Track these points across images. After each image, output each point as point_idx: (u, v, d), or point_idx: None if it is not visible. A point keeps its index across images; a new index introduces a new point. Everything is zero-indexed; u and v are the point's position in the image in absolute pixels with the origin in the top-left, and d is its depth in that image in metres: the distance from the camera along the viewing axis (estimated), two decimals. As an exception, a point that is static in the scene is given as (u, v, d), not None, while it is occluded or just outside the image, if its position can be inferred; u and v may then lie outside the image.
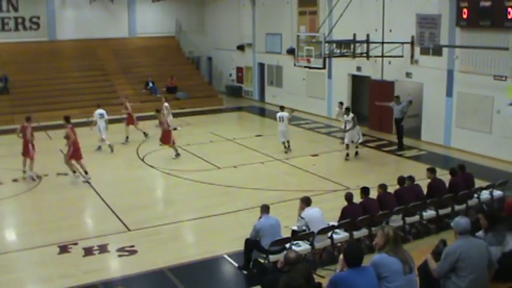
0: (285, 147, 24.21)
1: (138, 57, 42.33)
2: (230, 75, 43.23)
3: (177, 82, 38.85)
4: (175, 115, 30.24)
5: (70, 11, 42.08)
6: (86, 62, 40.29)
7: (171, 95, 38.09)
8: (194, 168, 21.76)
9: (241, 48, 40.78)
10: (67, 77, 38.22)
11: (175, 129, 26.49)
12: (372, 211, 13.81)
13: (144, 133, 27.10)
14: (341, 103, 26.99)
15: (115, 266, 13.88)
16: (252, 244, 12.71)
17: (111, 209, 17.42)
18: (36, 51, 39.99)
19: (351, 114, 23.33)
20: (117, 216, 16.71)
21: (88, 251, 14.26)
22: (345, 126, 23.52)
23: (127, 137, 26.91)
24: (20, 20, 40.94)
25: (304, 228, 12.95)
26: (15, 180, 21.23)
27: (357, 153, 23.72)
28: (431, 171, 15.99)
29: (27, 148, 21.25)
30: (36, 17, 41.31)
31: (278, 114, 24.34)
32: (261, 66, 39.22)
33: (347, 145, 23.34)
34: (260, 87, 39.74)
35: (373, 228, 13.62)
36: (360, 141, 23.75)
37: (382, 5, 26.09)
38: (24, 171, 21.40)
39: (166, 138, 23.57)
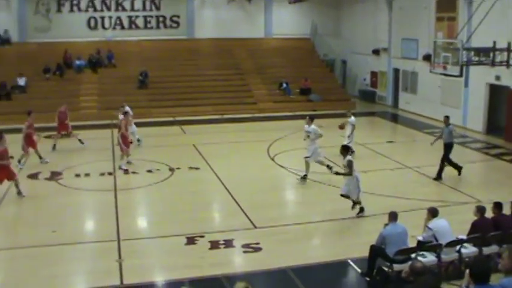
0: None
1: (272, 58, 42.78)
2: (364, 79, 42.75)
3: (310, 84, 38.91)
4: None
5: (208, 10, 43.27)
6: (222, 61, 41.22)
7: (304, 96, 38.28)
8: (324, 171, 21.69)
9: (376, 52, 40.24)
10: (203, 75, 39.25)
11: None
12: (505, 228, 13.17)
13: (138, 139, 26.60)
14: (311, 118, 21.56)
15: (239, 262, 14.10)
16: (377, 251, 12.50)
17: (240, 206, 17.69)
18: (175, 48, 41.45)
19: (348, 157, 16.97)
20: (245, 213, 16.95)
21: (214, 245, 14.57)
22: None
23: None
24: (161, 19, 42.66)
25: (430, 239, 12.60)
26: (149, 171, 22.06)
27: (358, 209, 17.12)
28: None
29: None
30: (177, 16, 42.87)
31: None
32: (396, 71, 38.50)
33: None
34: (394, 92, 39.00)
35: (503, 246, 13.01)
36: (359, 197, 17.00)
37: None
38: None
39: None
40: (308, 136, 20.83)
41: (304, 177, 20.58)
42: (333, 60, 45.82)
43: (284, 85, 38.72)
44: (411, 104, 36.11)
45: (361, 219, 16.58)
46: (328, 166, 20.83)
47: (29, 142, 22.79)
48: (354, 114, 24.76)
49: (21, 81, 36.36)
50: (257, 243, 14.59)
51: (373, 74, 41.59)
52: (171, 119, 34.26)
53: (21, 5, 40.36)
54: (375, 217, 16.35)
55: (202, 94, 37.26)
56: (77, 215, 17.57)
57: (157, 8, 42.59)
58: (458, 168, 21.27)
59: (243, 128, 30.02)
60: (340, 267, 13.56)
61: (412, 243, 12.78)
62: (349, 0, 43.90)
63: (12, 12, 40.50)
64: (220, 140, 23.72)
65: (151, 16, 42.60)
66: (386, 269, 12.35)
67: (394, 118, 35.99)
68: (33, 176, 21.58)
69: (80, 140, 26.01)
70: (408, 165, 22.89)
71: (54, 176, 21.48)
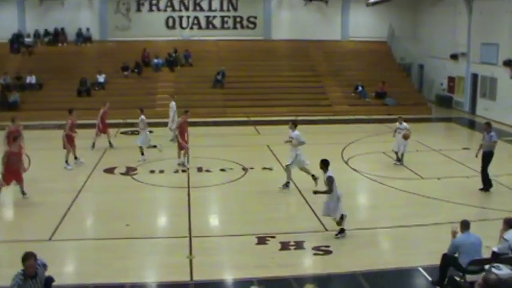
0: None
1: (348, 61, 42.55)
2: (441, 84, 41.94)
3: (386, 88, 38.50)
4: (382, 121, 29.88)
5: (285, 11, 43.44)
6: (298, 62, 41.24)
7: (379, 100, 37.91)
8: (397, 176, 21.43)
9: (454, 57, 39.39)
10: (278, 76, 39.37)
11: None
12: None
13: (110, 142, 26.15)
14: (293, 123, 20.57)
15: (308, 264, 14.06)
16: (449, 260, 12.25)
17: (311, 208, 17.65)
18: (251, 49, 41.74)
19: (328, 173, 15.52)
20: (316, 216, 16.88)
21: (284, 246, 14.58)
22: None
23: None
24: (238, 19, 43.09)
25: (506, 251, 12.25)
26: (222, 170, 22.28)
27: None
28: None
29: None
30: (253, 17, 43.19)
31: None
32: (474, 76, 37.59)
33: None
34: (471, 98, 38.07)
35: None
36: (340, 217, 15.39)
37: None
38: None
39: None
40: (290, 142, 19.98)
41: (287, 185, 19.89)
42: (409, 64, 45.20)
43: (360, 88, 38.46)
44: (489, 111, 35.19)
45: (434, 227, 16.26)
46: (313, 176, 19.75)
47: (69, 141, 22.81)
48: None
49: (101, 78, 37.36)
50: (327, 246, 14.53)
51: (451, 79, 40.75)
52: (245, 119, 34.52)
53: (102, 4, 41.50)
54: (447, 225, 15.96)
55: (277, 95, 37.38)
56: (150, 211, 17.93)
57: (235, 9, 43.01)
58: (488, 185, 19.92)
59: (317, 130, 29.87)
60: (410, 274, 13.35)
61: (486, 254, 12.47)
62: (427, 4, 43.16)
63: (94, 11, 41.71)
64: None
65: (228, 16, 43.06)
66: (458, 279, 12.09)
67: (471, 124, 35.16)
68: (109, 171, 22.14)
69: (110, 142, 26.25)
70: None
71: (130, 171, 21.96)
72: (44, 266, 9.70)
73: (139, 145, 23.72)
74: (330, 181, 15.18)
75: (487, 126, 20.15)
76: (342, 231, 15.26)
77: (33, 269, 9.28)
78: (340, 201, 15.29)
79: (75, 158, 23.03)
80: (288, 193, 19.72)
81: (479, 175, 20.28)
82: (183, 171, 22.23)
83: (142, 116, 23.93)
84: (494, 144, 19.89)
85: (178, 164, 22.71)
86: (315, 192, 15.91)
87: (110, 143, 26.18)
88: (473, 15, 37.10)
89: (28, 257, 9.25)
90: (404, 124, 23.19)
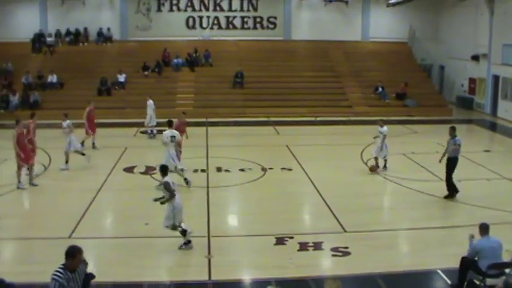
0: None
1: (369, 61, 42.42)
2: (462, 85, 41.68)
3: (407, 89, 38.32)
4: (402, 122, 29.68)
5: (305, 12, 43.47)
6: (318, 63, 41.22)
7: (399, 101, 37.76)
8: (416, 178, 21.31)
9: (475, 58, 39.11)
10: (298, 76, 39.38)
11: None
12: None
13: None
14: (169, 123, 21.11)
15: (327, 265, 14.01)
16: (469, 264, 12.14)
17: (330, 209, 17.61)
18: (271, 49, 41.79)
19: (166, 178, 14.77)
20: (335, 217, 16.85)
21: (303, 246, 14.55)
22: None
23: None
24: (258, 20, 43.18)
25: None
26: (241, 170, 22.30)
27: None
28: None
29: None
30: (274, 17, 43.26)
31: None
32: (496, 78, 37.30)
33: None
34: (493, 100, 37.78)
35: None
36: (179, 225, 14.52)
37: None
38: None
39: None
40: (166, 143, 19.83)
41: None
42: (430, 65, 44.96)
43: (380, 89, 38.32)
44: (511, 112, 34.93)
45: (453, 229, 16.18)
46: (185, 179, 19.71)
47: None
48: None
49: (121, 78, 37.56)
50: (346, 248, 14.48)
51: (472, 81, 40.45)
52: (265, 119, 34.52)
53: (123, 4, 41.77)
54: (466, 228, 15.86)
55: (297, 95, 37.36)
56: (169, 210, 17.95)
57: (255, 9, 43.07)
58: (452, 191, 18.89)
59: (337, 131, 29.85)
60: (429, 277, 13.26)
61: (506, 258, 12.37)
62: (448, 4, 42.89)
63: (114, 11, 42.02)
64: (313, 142, 23.61)
65: (248, 17, 43.14)
66: (477, 282, 11.99)
67: (492, 126, 34.90)
68: (129, 170, 22.25)
69: (93, 144, 25.96)
70: (505, 175, 22.14)
71: (149, 170, 22.02)
72: (84, 263, 9.68)
73: (65, 151, 22.39)
74: (166, 187, 14.32)
75: (452, 131, 19.09)
76: (187, 243, 14.38)
77: (80, 263, 9.25)
78: (178, 210, 14.38)
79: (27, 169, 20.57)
80: (307, 194, 19.73)
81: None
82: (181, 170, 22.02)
83: (68, 121, 22.49)
84: (458, 149, 18.72)
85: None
86: (156, 200, 14.82)
87: (93, 144, 25.90)
88: (495, 16, 36.81)
89: (80, 252, 9.17)
90: (385, 128, 22.61)
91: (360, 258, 13.98)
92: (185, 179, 19.87)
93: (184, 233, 14.36)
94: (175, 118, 23.30)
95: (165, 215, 14.38)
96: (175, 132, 20.48)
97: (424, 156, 24.58)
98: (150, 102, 28.60)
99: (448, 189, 18.96)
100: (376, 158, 22.50)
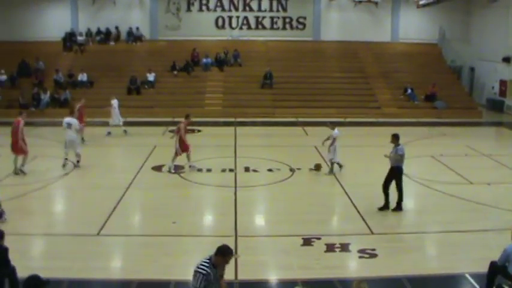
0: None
1: (398, 63, 42.19)
2: (492, 88, 41.25)
3: (436, 90, 38.04)
4: (432, 124, 29.44)
5: (335, 13, 43.36)
6: (347, 64, 41.09)
7: (429, 103, 37.50)
8: (445, 180, 21.14)
9: (506, 60, 38.67)
10: (327, 77, 39.29)
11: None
12: None
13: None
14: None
15: (353, 266, 13.96)
16: (498, 269, 11.99)
17: (358, 210, 17.55)
18: (300, 50, 41.75)
19: None
20: (363, 218, 16.79)
21: (330, 247, 14.51)
22: None
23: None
24: (287, 20, 43.17)
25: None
26: (270, 170, 22.32)
27: None
28: None
29: None
30: (303, 18, 43.22)
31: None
32: (527, 80, 36.90)
33: None
34: (524, 103, 37.40)
35: None
36: None
37: None
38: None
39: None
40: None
41: None
42: (460, 67, 44.54)
43: (409, 91, 38.07)
44: (542, 115, 34.55)
45: (482, 233, 15.98)
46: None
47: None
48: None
49: (151, 77, 37.80)
50: (373, 250, 14.41)
51: (502, 83, 40.00)
52: (293, 119, 34.51)
53: (153, 3, 42.06)
54: (497, 232, 15.70)
55: (325, 96, 37.29)
56: (196, 209, 18.07)
57: (284, 9, 43.08)
58: (387, 204, 17.54)
59: (365, 132, 29.68)
60: (457, 281, 13.12)
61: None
62: (479, 5, 42.48)
63: (144, 11, 42.33)
64: (342, 143, 23.46)
65: (277, 17, 43.15)
66: (506, 287, 11.88)
67: (523, 129, 34.55)
68: (157, 168, 22.39)
69: (82, 138, 26.03)
70: (537, 179, 21.89)
71: (177, 169, 22.12)
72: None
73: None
74: None
75: (394, 139, 17.39)
76: None
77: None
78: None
79: (22, 165, 20.95)
80: (335, 195, 19.68)
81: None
82: (174, 172, 21.95)
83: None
84: (401, 159, 17.34)
85: (175, 167, 22.19)
86: None
87: (82, 138, 25.98)
88: (528, 18, 36.42)
89: (232, 252, 9.70)
90: (336, 131, 22.11)
91: (387, 261, 13.90)
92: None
93: None
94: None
95: None
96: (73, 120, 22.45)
97: (453, 158, 24.38)
98: (115, 101, 28.88)
99: (385, 200, 17.60)
100: (333, 162, 22.02)
